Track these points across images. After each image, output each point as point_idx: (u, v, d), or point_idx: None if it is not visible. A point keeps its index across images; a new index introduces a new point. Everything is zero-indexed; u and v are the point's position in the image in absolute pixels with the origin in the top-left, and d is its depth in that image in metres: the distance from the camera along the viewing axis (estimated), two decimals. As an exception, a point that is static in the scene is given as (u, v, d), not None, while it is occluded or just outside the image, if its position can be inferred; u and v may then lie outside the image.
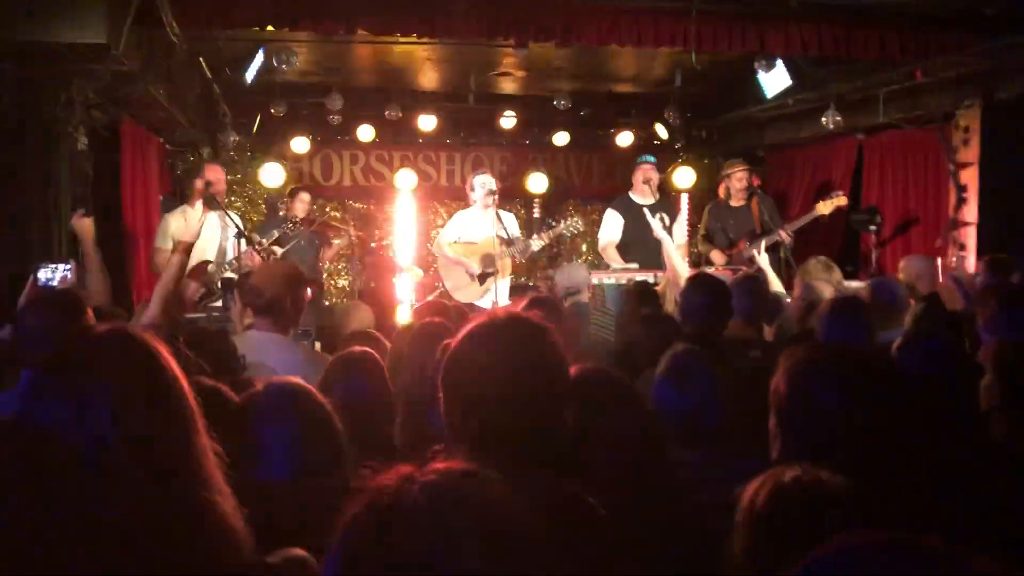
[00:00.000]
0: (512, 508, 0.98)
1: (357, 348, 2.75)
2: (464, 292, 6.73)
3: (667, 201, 7.30)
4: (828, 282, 4.62)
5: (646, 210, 6.44)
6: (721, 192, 7.39)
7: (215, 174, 6.14)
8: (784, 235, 6.56)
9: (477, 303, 6.59)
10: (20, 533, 1.24)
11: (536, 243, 6.64)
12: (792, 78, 6.43)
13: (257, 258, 5.89)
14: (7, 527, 1.24)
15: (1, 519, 1.25)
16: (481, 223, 6.66)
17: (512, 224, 6.90)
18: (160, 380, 1.33)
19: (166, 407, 1.32)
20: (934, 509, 1.83)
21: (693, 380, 2.40)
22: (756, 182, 7.14)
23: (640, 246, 6.76)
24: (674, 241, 6.68)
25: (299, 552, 1.47)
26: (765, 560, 1.40)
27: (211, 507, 1.32)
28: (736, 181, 7.11)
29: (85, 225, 4.27)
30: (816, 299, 4.09)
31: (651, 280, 6.04)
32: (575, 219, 6.70)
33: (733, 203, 7.19)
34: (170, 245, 5.73)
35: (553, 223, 9.61)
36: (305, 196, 7.59)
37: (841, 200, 6.71)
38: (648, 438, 2.09)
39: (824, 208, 6.69)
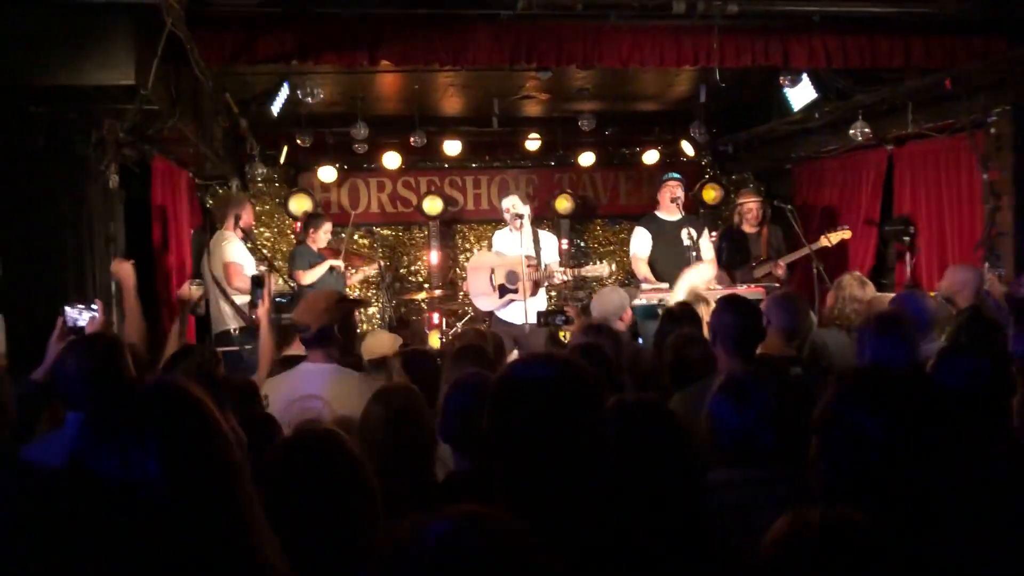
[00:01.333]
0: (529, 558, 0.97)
1: (396, 384, 2.75)
2: (483, 300, 6.92)
3: (693, 217, 7.29)
4: (864, 298, 4.56)
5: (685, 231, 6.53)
6: (735, 218, 7.71)
7: (249, 209, 6.79)
8: (780, 267, 7.08)
9: (496, 312, 6.81)
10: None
11: (559, 276, 6.76)
12: (818, 90, 6.38)
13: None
14: (56, 573, 1.25)
15: (50, 565, 1.26)
16: (510, 243, 6.77)
17: (551, 246, 6.98)
18: (206, 432, 1.35)
19: (212, 458, 1.34)
20: (974, 531, 1.79)
21: (751, 399, 2.38)
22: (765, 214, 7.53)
23: (668, 264, 6.75)
24: (702, 257, 6.70)
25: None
26: None
27: (258, 555, 1.34)
28: (746, 211, 7.48)
29: (125, 269, 4.30)
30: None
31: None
32: (603, 263, 6.80)
33: (745, 228, 7.50)
34: (241, 262, 6.39)
35: (582, 244, 9.65)
36: (327, 226, 7.65)
37: (846, 233, 7.08)
38: (687, 465, 2.06)
39: (828, 241, 7.00)
